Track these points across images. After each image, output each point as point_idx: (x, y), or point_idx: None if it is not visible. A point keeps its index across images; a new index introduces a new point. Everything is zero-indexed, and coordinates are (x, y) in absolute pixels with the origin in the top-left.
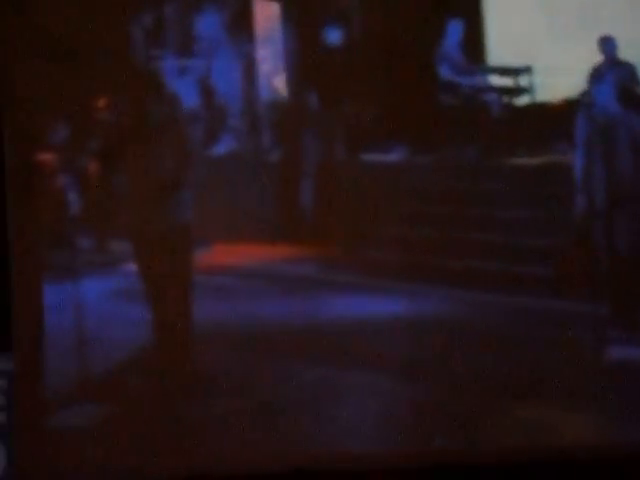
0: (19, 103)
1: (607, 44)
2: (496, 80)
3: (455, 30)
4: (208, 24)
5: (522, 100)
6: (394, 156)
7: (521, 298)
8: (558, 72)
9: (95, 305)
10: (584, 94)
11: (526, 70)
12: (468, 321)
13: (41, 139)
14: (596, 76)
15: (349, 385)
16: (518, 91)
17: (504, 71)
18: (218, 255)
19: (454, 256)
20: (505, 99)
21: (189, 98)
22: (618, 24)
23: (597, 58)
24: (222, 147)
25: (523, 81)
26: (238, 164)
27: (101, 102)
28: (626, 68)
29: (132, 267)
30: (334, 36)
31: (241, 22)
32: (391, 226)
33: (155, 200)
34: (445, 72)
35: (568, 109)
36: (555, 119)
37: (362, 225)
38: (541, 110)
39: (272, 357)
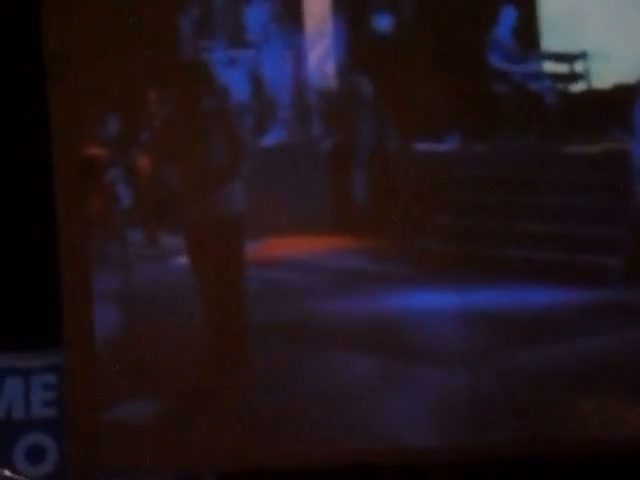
0: (68, 96)
1: None
2: (550, 67)
3: (508, 17)
4: (257, 14)
5: (577, 87)
6: (447, 145)
7: (578, 289)
8: (613, 58)
9: (146, 299)
10: None
11: (581, 56)
12: (525, 312)
13: (91, 133)
14: None
15: (405, 378)
16: (573, 78)
17: (558, 57)
18: (270, 248)
19: (511, 246)
20: (560, 86)
21: (239, 89)
22: None
23: None
24: (272, 138)
25: (578, 67)
26: (289, 155)
27: (151, 95)
28: None
29: (183, 260)
30: (384, 22)
31: (290, 11)
32: (445, 216)
33: (206, 193)
34: (498, 60)
35: (625, 95)
36: (611, 106)
37: (416, 216)
38: (597, 97)
39: (327, 350)
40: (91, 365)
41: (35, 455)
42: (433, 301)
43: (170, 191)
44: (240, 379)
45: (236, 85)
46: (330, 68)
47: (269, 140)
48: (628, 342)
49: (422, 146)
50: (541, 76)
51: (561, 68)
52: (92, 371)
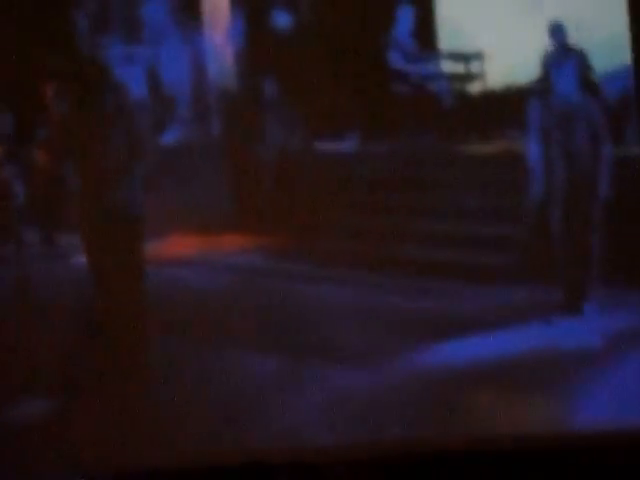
0: None
1: (557, 30)
2: (448, 67)
3: (406, 17)
4: (154, 10)
5: (473, 87)
6: (347, 144)
7: (477, 286)
8: (507, 58)
9: (41, 297)
10: (540, 81)
11: (477, 56)
12: (422, 309)
13: None
14: (553, 63)
15: (304, 376)
16: (469, 78)
17: (456, 57)
18: (171, 246)
19: (408, 245)
20: (457, 86)
21: (137, 87)
22: (566, 6)
23: (547, 43)
24: (171, 136)
25: (474, 68)
26: (188, 153)
27: (47, 91)
28: (581, 55)
29: (80, 259)
30: (283, 20)
31: (188, 7)
32: (343, 215)
33: (104, 191)
34: (396, 60)
35: (519, 95)
36: (506, 105)
37: (313, 214)
38: (493, 96)
39: (224, 347)
40: None
41: None
42: (332, 300)
43: (67, 189)
44: (138, 377)
45: (134, 82)
46: (229, 66)
47: (168, 138)
48: (522, 340)
49: (322, 145)
50: (439, 76)
51: (458, 68)
52: None
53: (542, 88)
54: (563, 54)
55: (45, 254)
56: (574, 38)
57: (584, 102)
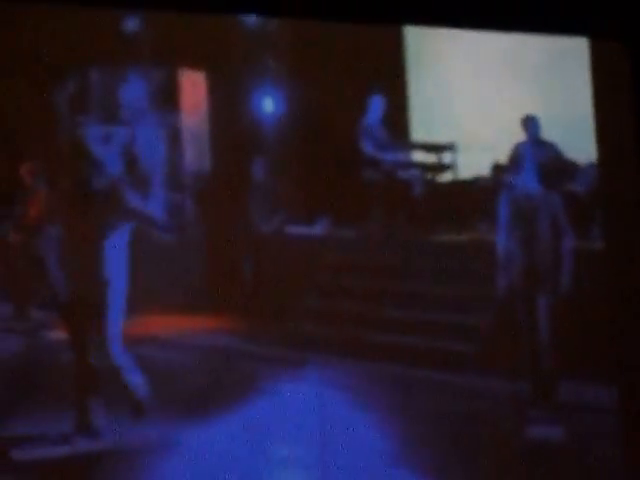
0: None
1: (530, 123)
2: (419, 156)
3: (377, 105)
4: (133, 92)
5: (444, 177)
6: (317, 229)
7: (443, 374)
8: (480, 149)
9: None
10: (506, 174)
11: (449, 147)
12: (386, 395)
13: None
14: (517, 157)
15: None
16: (441, 168)
17: (427, 148)
18: (142, 325)
19: (375, 330)
20: (428, 175)
21: (113, 165)
22: (540, 100)
23: (520, 136)
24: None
25: (446, 158)
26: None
27: (25, 168)
28: (547, 147)
29: (53, 335)
30: (261, 106)
31: (166, 91)
32: (311, 299)
33: (75, 268)
34: (368, 147)
35: (491, 187)
36: (478, 197)
37: (282, 297)
38: (464, 187)
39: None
40: None
41: None
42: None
43: (40, 265)
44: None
45: (111, 160)
46: (204, 148)
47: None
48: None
49: (294, 229)
50: (410, 165)
51: (430, 158)
52: None
53: (507, 182)
54: (528, 147)
55: (16, 329)
56: (544, 132)
57: (546, 194)
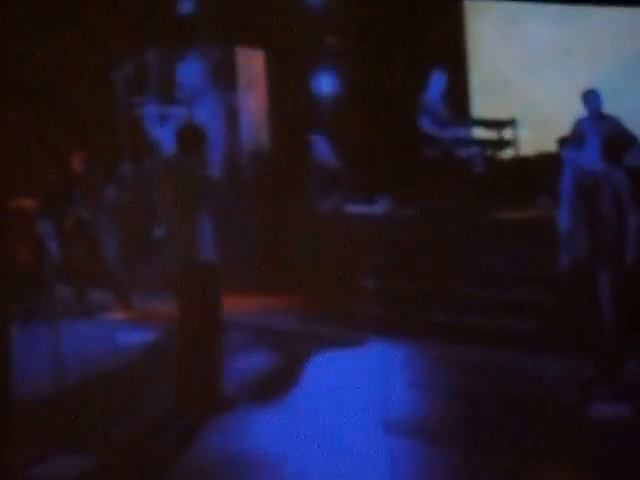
0: None
1: (591, 98)
2: (480, 133)
3: (437, 82)
4: (190, 72)
5: (505, 153)
6: (378, 208)
7: (504, 353)
8: (543, 125)
9: (73, 354)
10: (568, 150)
11: (510, 123)
12: (449, 375)
13: (20, 185)
14: (579, 132)
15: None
16: (502, 144)
17: (488, 124)
18: None
19: (437, 310)
20: (488, 152)
21: (170, 145)
22: (602, 74)
23: (582, 110)
24: None
25: (506, 134)
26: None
27: (76, 158)
28: (609, 121)
29: (110, 316)
30: (320, 85)
31: (223, 70)
32: (373, 279)
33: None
34: (426, 123)
35: (552, 164)
36: (539, 173)
37: (345, 278)
38: (525, 164)
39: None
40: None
41: None
42: (354, 362)
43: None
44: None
45: (167, 141)
46: (262, 127)
47: None
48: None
49: (353, 209)
50: (470, 142)
51: (489, 134)
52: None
53: (571, 160)
54: (591, 123)
55: (76, 310)
56: (607, 106)
57: (609, 172)
